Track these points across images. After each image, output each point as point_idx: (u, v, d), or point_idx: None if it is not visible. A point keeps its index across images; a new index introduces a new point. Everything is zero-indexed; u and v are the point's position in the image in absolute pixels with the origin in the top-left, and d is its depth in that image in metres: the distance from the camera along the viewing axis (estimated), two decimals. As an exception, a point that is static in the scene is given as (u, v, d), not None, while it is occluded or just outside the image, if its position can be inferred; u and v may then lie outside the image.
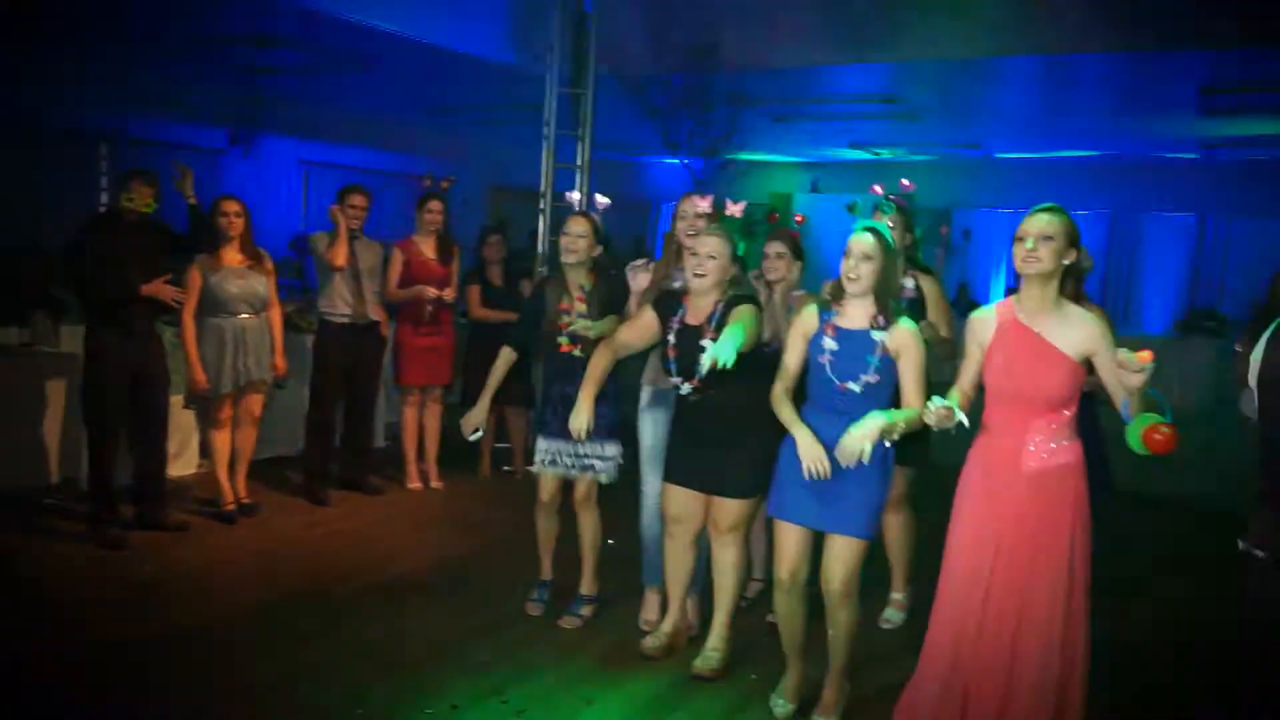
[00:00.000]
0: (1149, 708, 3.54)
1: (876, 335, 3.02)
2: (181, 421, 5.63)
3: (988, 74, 7.65)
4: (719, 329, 3.33)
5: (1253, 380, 2.53)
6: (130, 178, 4.54)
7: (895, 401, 3.05)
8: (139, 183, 4.51)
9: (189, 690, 3.29)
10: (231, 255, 4.96)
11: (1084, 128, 9.77)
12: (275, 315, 5.15)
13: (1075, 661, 2.77)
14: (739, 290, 3.46)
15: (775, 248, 3.97)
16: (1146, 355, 2.42)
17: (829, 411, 3.06)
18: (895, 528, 4.04)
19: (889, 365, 3.02)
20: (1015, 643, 2.75)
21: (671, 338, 3.47)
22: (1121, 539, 5.54)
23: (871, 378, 3.00)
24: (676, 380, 3.46)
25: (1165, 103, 8.20)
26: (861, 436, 2.81)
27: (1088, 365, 2.75)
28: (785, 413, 3.13)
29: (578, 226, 3.87)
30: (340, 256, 5.24)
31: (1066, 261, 2.73)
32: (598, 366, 3.57)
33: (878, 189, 3.90)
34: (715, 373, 3.14)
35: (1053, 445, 2.74)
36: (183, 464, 5.76)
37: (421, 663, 3.56)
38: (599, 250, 3.92)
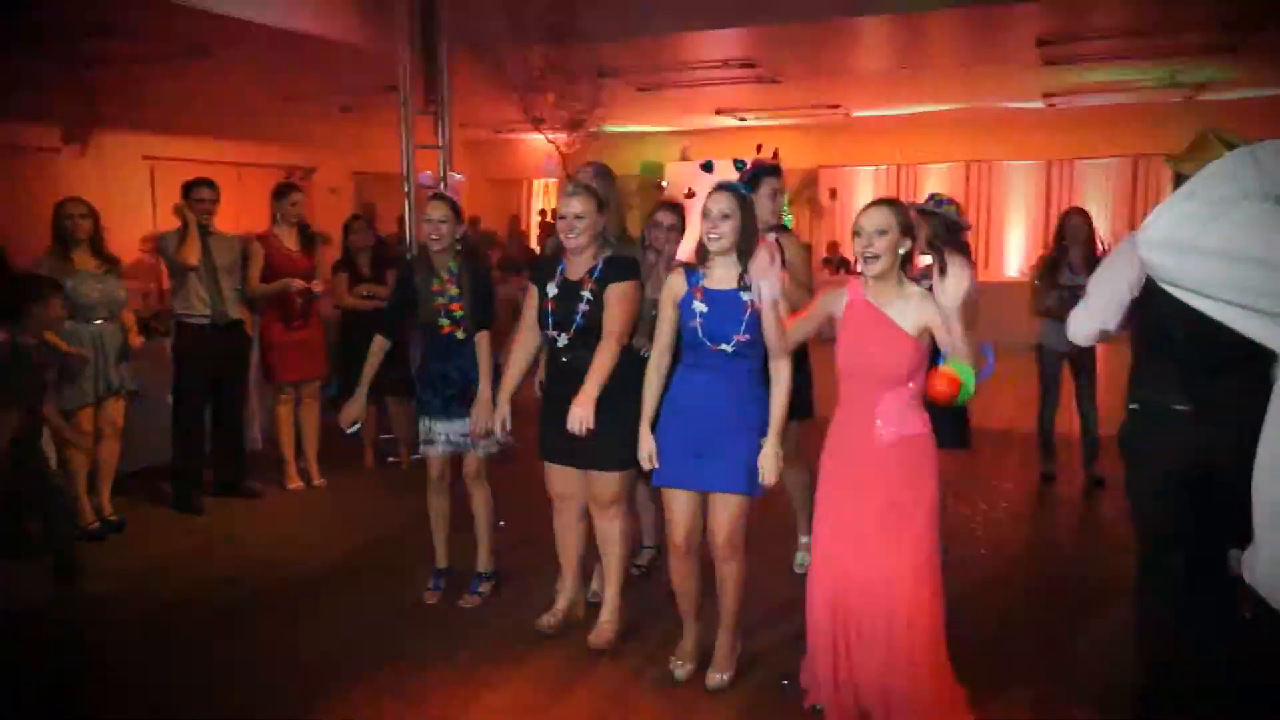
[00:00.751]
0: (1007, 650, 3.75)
1: (745, 295, 3.07)
2: (35, 440, 5.31)
3: (843, 35, 7.84)
4: (600, 281, 3.37)
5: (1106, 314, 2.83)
6: None
7: (763, 359, 3.12)
8: None
9: (72, 716, 3.15)
10: (84, 259, 4.69)
11: (934, 83, 10.12)
12: (129, 319, 4.94)
13: (939, 616, 2.87)
14: (614, 248, 3.49)
15: (668, 219, 4.00)
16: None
17: (704, 369, 3.12)
18: (793, 480, 4.12)
19: (759, 323, 3.07)
20: (887, 609, 2.82)
21: (552, 289, 3.45)
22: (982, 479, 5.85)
23: (743, 337, 3.06)
24: (553, 334, 3.44)
25: (1007, 55, 8.57)
26: (773, 468, 3.00)
27: (930, 340, 2.87)
28: (647, 395, 3.19)
29: (437, 212, 3.80)
30: (192, 255, 5.01)
31: (902, 250, 2.85)
32: (513, 365, 3.59)
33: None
34: (589, 329, 3.24)
35: (901, 418, 2.84)
36: (40, 485, 5.41)
37: (314, 664, 3.47)
38: (463, 230, 3.87)
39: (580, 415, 3.25)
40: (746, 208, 3.07)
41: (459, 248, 3.86)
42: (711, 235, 3.05)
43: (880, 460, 2.84)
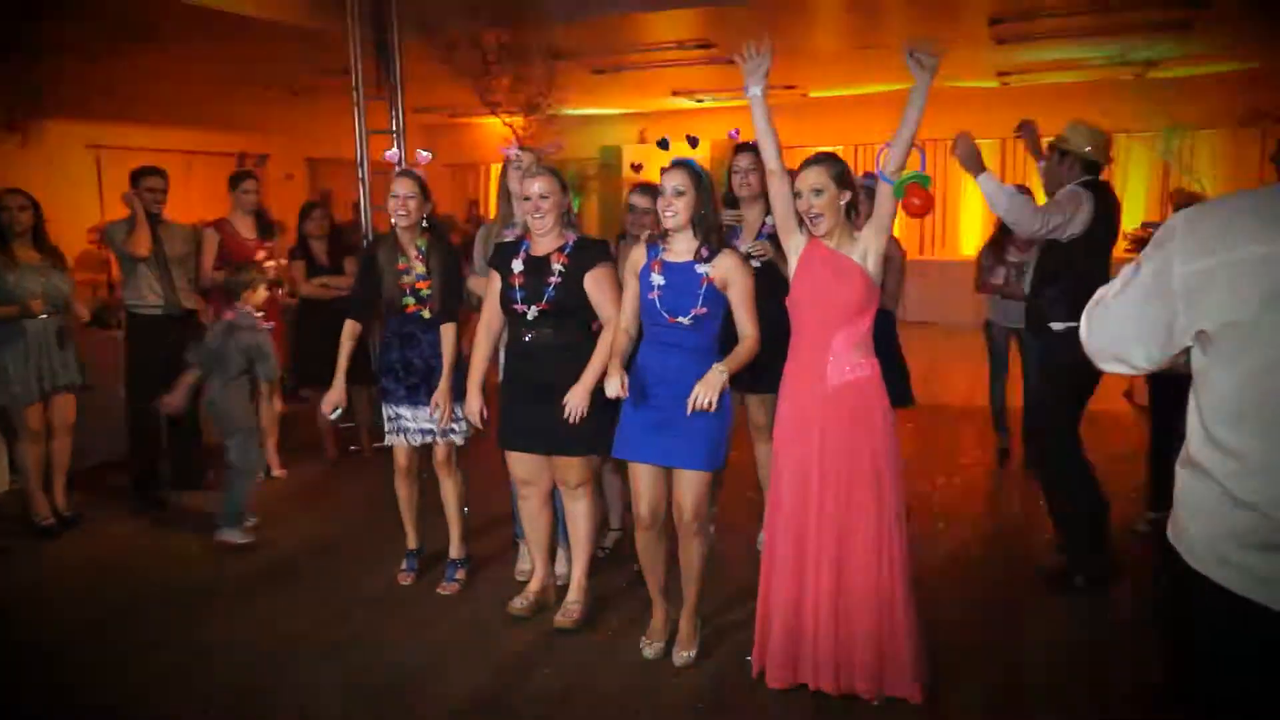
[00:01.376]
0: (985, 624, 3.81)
1: (701, 268, 3.09)
2: (-15, 437, 5.21)
3: (796, 12, 7.84)
4: (572, 257, 3.35)
5: None
6: None
7: (726, 330, 3.13)
8: None
9: (30, 714, 3.10)
10: (25, 252, 4.58)
11: (889, 62, 10.17)
12: (81, 308, 4.84)
13: (899, 577, 2.89)
14: (580, 233, 3.49)
15: (644, 201, 4.00)
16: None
17: (662, 344, 3.14)
18: (764, 457, 4.10)
19: (716, 296, 3.09)
20: (843, 560, 2.88)
21: (517, 265, 3.42)
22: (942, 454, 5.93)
23: (700, 310, 3.08)
24: (521, 308, 3.39)
25: (959, 34, 8.64)
26: (709, 388, 2.86)
27: (881, 278, 2.94)
28: (615, 345, 3.19)
29: (405, 187, 3.75)
30: (142, 245, 4.90)
31: (844, 202, 2.91)
32: (479, 351, 3.55)
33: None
34: (560, 302, 3.26)
35: (852, 358, 2.88)
36: (-8, 483, 5.32)
37: (279, 653, 3.44)
38: (430, 207, 3.83)
39: (575, 404, 3.23)
40: (701, 183, 3.09)
41: (426, 226, 3.81)
42: (667, 212, 3.09)
43: (828, 404, 2.88)
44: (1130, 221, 12.46)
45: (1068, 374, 3.69)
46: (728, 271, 3.08)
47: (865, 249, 2.89)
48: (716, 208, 3.20)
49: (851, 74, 11.04)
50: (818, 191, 2.87)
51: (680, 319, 3.08)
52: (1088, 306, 1.68)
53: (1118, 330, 1.60)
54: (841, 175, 2.91)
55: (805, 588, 2.92)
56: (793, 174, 2.99)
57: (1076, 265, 3.70)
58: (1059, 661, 3.30)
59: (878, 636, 2.88)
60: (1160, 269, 1.50)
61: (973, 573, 4.11)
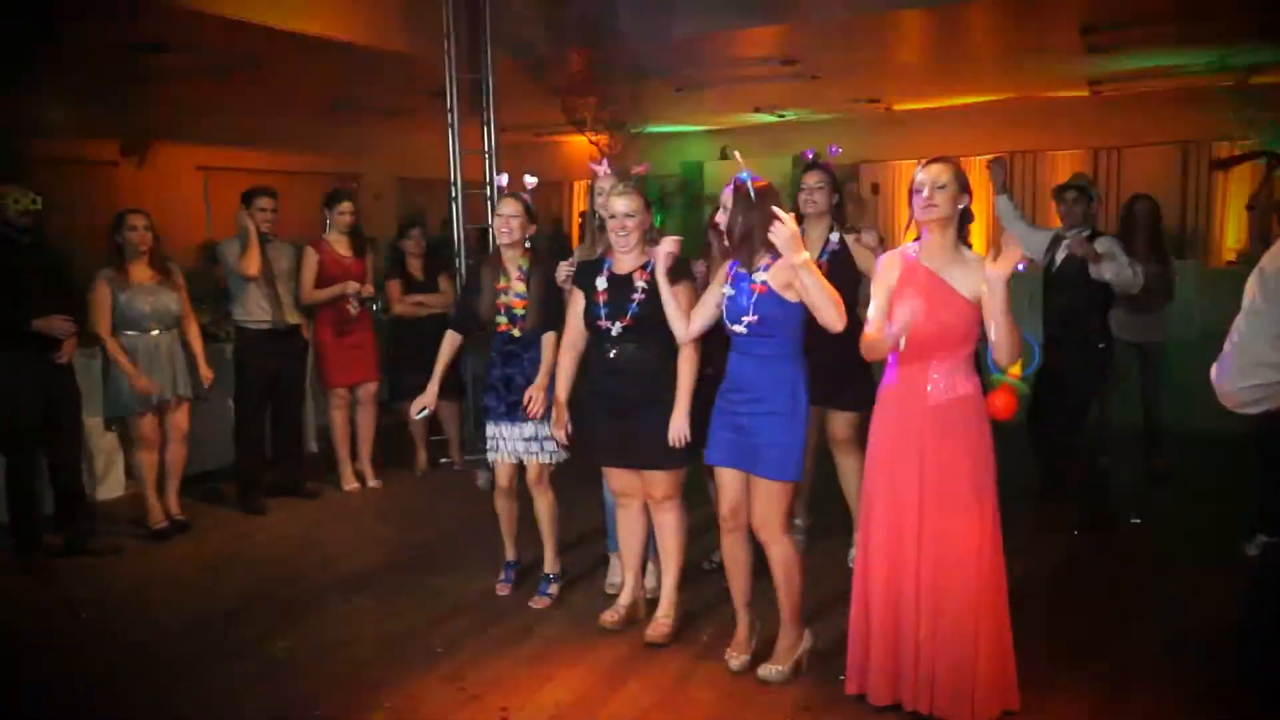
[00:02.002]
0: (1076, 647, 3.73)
1: (757, 277, 3.13)
2: (104, 443, 5.50)
3: (881, 28, 7.80)
4: (654, 274, 3.40)
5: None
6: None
7: (789, 343, 3.14)
8: (9, 186, 4.38)
9: (140, 708, 3.26)
10: (140, 271, 4.83)
11: (976, 74, 10.02)
12: (192, 328, 5.05)
13: (989, 601, 2.85)
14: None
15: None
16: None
17: (738, 352, 3.21)
18: (849, 471, 4.08)
19: (773, 303, 3.09)
20: (940, 577, 2.85)
21: (601, 283, 3.51)
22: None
23: (751, 317, 3.11)
24: (605, 324, 3.49)
25: (1050, 44, 8.47)
26: (780, 234, 2.93)
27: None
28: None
29: (509, 208, 3.88)
30: (254, 265, 5.13)
31: (961, 206, 2.89)
32: (563, 368, 3.66)
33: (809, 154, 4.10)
34: (644, 317, 3.34)
35: (952, 379, 2.87)
36: (109, 487, 5.61)
37: (377, 658, 3.56)
38: (533, 229, 3.94)
39: (679, 427, 3.37)
40: (740, 201, 3.16)
41: (529, 246, 3.93)
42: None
43: (929, 421, 2.87)
44: (1231, 235, 12.02)
45: (1086, 375, 4.75)
46: (787, 279, 3.04)
47: (976, 286, 2.81)
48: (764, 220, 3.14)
49: (936, 86, 10.91)
50: (941, 186, 2.84)
51: (736, 327, 3.16)
52: (1216, 363, 2.08)
53: (1250, 340, 1.98)
54: (964, 181, 2.89)
55: (902, 607, 2.91)
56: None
57: (1092, 283, 4.63)
58: (1163, 672, 3.23)
59: (971, 659, 2.85)
60: (1257, 280, 1.97)
61: (1076, 581, 4.04)
